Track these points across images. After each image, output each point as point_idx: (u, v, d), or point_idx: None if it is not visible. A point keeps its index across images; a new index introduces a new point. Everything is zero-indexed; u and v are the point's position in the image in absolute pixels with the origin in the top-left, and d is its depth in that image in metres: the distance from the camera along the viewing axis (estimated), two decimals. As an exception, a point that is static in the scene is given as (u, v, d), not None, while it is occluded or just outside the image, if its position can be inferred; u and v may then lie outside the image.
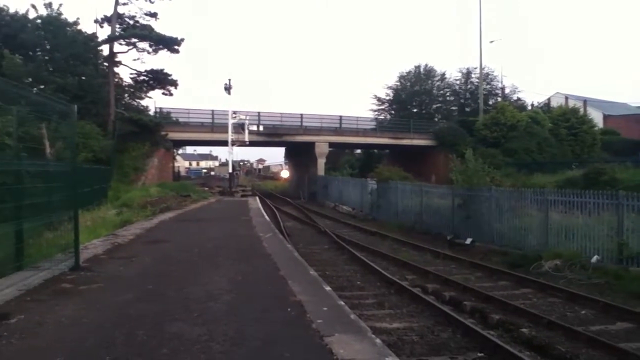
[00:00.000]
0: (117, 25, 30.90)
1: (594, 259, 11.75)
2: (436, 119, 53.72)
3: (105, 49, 30.80)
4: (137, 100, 36.09)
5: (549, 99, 55.96)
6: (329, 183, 35.90)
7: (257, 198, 28.82)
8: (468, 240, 16.15)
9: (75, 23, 28.81)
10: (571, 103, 49.38)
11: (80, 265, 7.89)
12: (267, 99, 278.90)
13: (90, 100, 26.57)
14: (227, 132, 31.69)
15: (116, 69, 31.54)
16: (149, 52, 31.75)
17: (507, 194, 15.56)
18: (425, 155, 41.19)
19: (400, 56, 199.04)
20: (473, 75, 55.33)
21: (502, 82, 55.31)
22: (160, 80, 33.11)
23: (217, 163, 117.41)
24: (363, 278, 11.64)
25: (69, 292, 6.36)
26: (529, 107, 51.54)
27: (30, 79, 23.95)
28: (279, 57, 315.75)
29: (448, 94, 59.29)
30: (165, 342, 4.48)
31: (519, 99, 55.09)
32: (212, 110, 36.01)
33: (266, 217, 18.05)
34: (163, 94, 34.29)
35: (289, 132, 38.06)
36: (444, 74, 58.31)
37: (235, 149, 34.74)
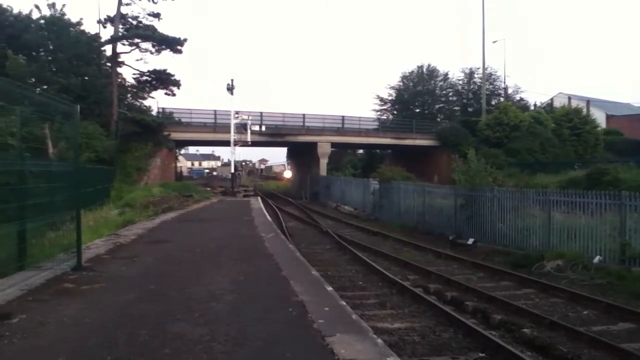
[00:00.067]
0: (120, 26, 30.97)
1: (596, 259, 11.73)
2: (439, 119, 53.70)
3: (108, 50, 30.92)
4: (140, 101, 36.22)
5: (551, 99, 55.91)
6: (331, 183, 35.89)
7: (259, 198, 28.84)
8: (470, 241, 16.13)
9: (79, 23, 28.92)
10: (574, 103, 49.27)
11: (83, 265, 7.92)
12: (269, 99, 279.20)
13: (93, 100, 26.63)
14: (229, 132, 31.72)
15: (119, 69, 31.66)
16: (151, 53, 31.86)
17: (509, 194, 15.53)
18: (427, 156, 41.16)
19: (402, 56, 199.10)
20: (476, 76, 55.33)
21: (504, 82, 55.25)
22: (162, 80, 33.18)
23: (219, 163, 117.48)
24: (365, 278, 11.64)
25: (71, 292, 6.38)
26: (532, 107, 51.46)
27: (33, 79, 24.04)
28: (281, 57, 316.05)
29: (451, 94, 59.23)
30: (167, 342, 4.49)
31: (521, 99, 55.08)
32: (215, 111, 36.10)
33: (268, 217, 18.06)
34: (166, 94, 34.43)
35: (291, 132, 38.08)
36: (446, 74, 58.33)
37: (238, 149, 34.84)
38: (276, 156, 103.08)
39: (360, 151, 57.10)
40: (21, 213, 6.93)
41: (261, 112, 37.06)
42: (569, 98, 54.12)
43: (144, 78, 33.62)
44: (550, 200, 13.67)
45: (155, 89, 34.55)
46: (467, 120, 43.73)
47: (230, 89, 31.76)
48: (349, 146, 51.18)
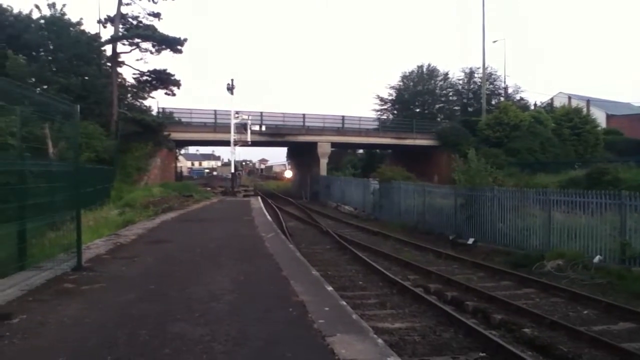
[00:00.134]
0: (121, 26, 30.96)
1: (597, 259, 11.73)
2: (439, 119, 53.70)
3: (108, 49, 30.92)
4: (140, 101, 36.21)
5: (551, 99, 55.91)
6: (332, 183, 35.90)
7: (260, 198, 28.84)
8: (470, 240, 16.13)
9: (79, 23, 28.92)
10: (574, 103, 49.26)
11: (83, 265, 7.91)
12: (269, 99, 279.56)
13: (94, 100, 26.63)
14: (229, 132, 31.72)
15: (119, 69, 31.64)
16: (152, 53, 31.85)
17: (509, 193, 15.53)
18: (428, 155, 41.16)
19: (402, 56, 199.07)
20: (476, 75, 55.34)
21: (505, 82, 55.28)
22: (163, 80, 33.17)
23: (219, 163, 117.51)
24: (365, 278, 11.64)
25: (71, 292, 6.38)
26: (532, 107, 51.47)
27: (33, 79, 24.04)
28: (281, 56, 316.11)
29: (451, 93, 59.23)
30: (167, 342, 4.49)
31: (521, 98, 55.10)
32: (215, 111, 36.10)
33: (268, 217, 18.06)
34: (166, 94, 34.42)
35: (291, 132, 38.08)
36: (446, 74, 58.34)
37: (238, 149, 34.83)
38: (276, 156, 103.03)
39: (361, 151, 57.10)
40: (21, 213, 6.93)
41: (261, 112, 37.08)
42: (569, 98, 54.12)
43: (144, 78, 33.61)
44: (551, 200, 13.66)
45: (156, 88, 34.54)
46: (467, 120, 43.73)
47: (231, 88, 31.76)
48: (349, 146, 51.18)
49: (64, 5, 28.42)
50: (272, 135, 37.16)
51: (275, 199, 36.98)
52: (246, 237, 12.23)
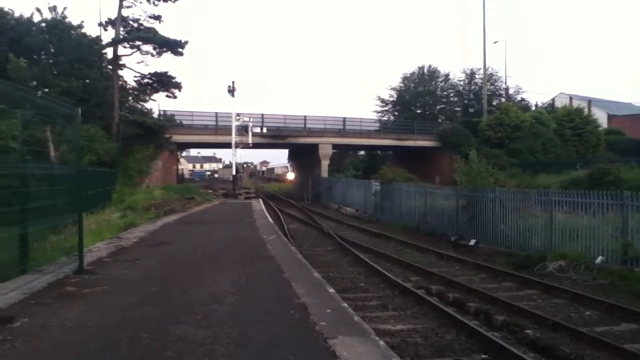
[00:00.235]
0: (121, 28, 31.02)
1: (599, 259, 11.70)
2: (440, 120, 53.64)
3: (109, 52, 30.98)
4: (141, 103, 36.25)
5: (553, 100, 55.88)
6: (333, 185, 35.90)
7: (261, 200, 28.84)
8: (472, 242, 16.11)
9: (80, 26, 28.95)
10: (575, 103, 49.21)
11: (84, 268, 7.92)
12: (270, 100, 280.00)
13: (95, 103, 26.66)
14: (230, 134, 31.74)
15: (120, 72, 31.65)
16: (152, 55, 31.90)
17: (511, 194, 15.51)
18: (429, 157, 41.14)
19: (403, 57, 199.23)
20: (477, 76, 55.29)
21: (505, 82, 55.30)
22: (164, 82, 33.24)
23: (220, 165, 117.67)
24: (367, 280, 11.63)
25: (73, 295, 6.38)
26: (533, 108, 51.42)
27: (35, 83, 24.05)
28: (282, 58, 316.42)
29: (452, 94, 59.18)
30: (169, 345, 4.49)
31: (522, 99, 55.01)
32: (216, 113, 36.11)
33: (270, 219, 18.06)
34: (167, 96, 34.49)
35: (292, 134, 38.08)
36: (447, 75, 58.27)
37: (239, 151, 34.79)
38: (277, 158, 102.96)
39: (362, 152, 57.07)
40: (23, 216, 6.94)
41: (262, 114, 37.07)
42: (570, 98, 54.08)
43: (145, 80, 33.67)
44: (552, 201, 13.65)
45: (157, 91, 34.60)
46: (468, 120, 43.69)
47: (232, 91, 31.78)
48: (351, 148, 51.15)
49: (65, 9, 28.50)
50: (273, 137, 37.16)
51: (276, 201, 36.98)
52: (248, 239, 12.23)
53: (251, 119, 33.32)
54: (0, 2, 50.00)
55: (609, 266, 11.38)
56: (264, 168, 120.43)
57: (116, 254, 9.90)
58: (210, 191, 33.76)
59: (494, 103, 51.29)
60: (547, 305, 9.43)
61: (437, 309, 8.77)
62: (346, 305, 6.21)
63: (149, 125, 29.70)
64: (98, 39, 30.46)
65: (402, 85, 58.55)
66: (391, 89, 59.28)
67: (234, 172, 34.30)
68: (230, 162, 46.55)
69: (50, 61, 27.20)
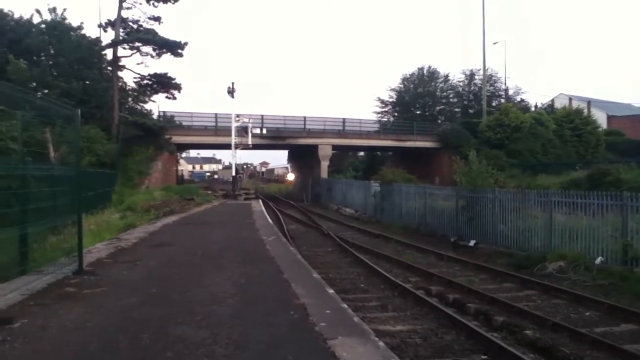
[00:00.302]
0: (121, 30, 31.03)
1: (598, 260, 11.71)
2: (440, 121, 53.62)
3: (109, 53, 30.96)
4: (141, 104, 36.20)
5: (552, 100, 55.90)
6: (333, 185, 35.91)
7: (260, 201, 28.85)
8: (472, 242, 16.11)
9: (80, 28, 28.95)
10: (575, 104, 49.26)
11: (84, 269, 7.93)
12: (269, 101, 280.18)
13: (95, 104, 26.66)
14: (230, 135, 31.76)
15: (120, 73, 31.65)
16: (152, 56, 31.89)
17: (510, 195, 15.52)
18: (429, 157, 41.15)
19: (403, 58, 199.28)
20: (476, 77, 55.27)
21: (505, 83, 55.29)
22: (163, 84, 33.24)
23: (220, 166, 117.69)
24: (366, 281, 11.63)
25: (73, 296, 6.39)
26: (533, 109, 51.42)
27: (34, 84, 24.06)
28: (282, 59, 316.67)
29: (451, 95, 59.14)
30: (169, 346, 4.50)
31: (522, 100, 54.96)
32: (216, 114, 36.13)
33: (269, 220, 18.07)
34: (167, 97, 34.48)
35: (292, 135, 38.09)
36: (447, 76, 58.23)
37: (239, 152, 34.80)
38: (277, 159, 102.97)
39: (362, 153, 57.07)
40: (23, 217, 6.94)
41: (262, 115, 37.08)
42: (570, 99, 54.12)
43: (145, 82, 33.66)
44: (552, 202, 13.65)
45: (156, 92, 34.58)
46: (468, 121, 43.70)
47: (231, 92, 31.80)
48: (350, 148, 51.16)
49: (64, 10, 28.55)
50: (273, 138, 37.16)
51: (276, 202, 36.98)
52: (247, 240, 12.24)
53: (251, 120, 33.34)
54: (0, 4, 50.09)
55: (608, 267, 11.38)
56: (263, 169, 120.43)
57: (116, 254, 9.90)
58: (209, 192, 33.72)
59: (494, 104, 51.28)
60: (547, 305, 9.43)
61: (437, 310, 8.77)
62: (346, 306, 6.22)
63: (149, 126, 29.70)
64: (98, 40, 30.46)
65: (401, 86, 58.56)
66: (391, 89, 59.31)
67: (233, 173, 34.33)
68: (229, 163, 46.61)
69: (50, 62, 27.21)
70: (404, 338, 7.35)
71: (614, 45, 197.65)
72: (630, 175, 24.73)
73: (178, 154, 44.60)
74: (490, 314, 8.55)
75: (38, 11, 28.14)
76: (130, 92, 34.64)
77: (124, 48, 31.12)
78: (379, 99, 59.11)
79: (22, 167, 7.28)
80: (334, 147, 40.41)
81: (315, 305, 5.92)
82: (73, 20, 36.38)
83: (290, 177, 64.02)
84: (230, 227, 15.21)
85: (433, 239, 18.02)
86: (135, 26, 32.02)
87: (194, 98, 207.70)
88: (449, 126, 44.21)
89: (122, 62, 31.37)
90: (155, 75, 32.81)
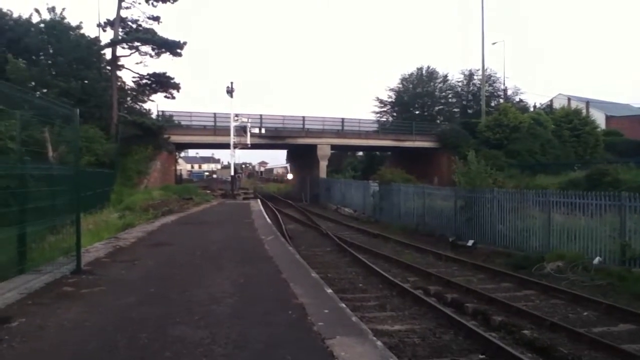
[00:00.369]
0: (120, 29, 31.00)
1: (596, 260, 11.73)
2: (438, 121, 53.69)
3: (108, 53, 30.92)
4: (140, 104, 36.16)
5: (551, 101, 55.95)
6: (332, 185, 35.92)
7: (259, 201, 28.86)
8: (470, 242, 16.12)
9: (79, 27, 28.91)
10: (573, 104, 49.31)
11: (82, 268, 7.93)
12: (268, 101, 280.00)
13: (94, 104, 26.62)
14: (229, 134, 31.75)
15: (119, 73, 31.64)
16: (151, 56, 31.86)
17: (509, 195, 15.54)
18: (428, 157, 41.17)
19: (402, 58, 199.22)
20: (475, 77, 55.31)
21: (504, 83, 55.33)
22: (162, 83, 33.20)
23: (219, 166, 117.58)
24: (365, 280, 11.64)
25: (71, 296, 6.38)
26: (532, 109, 51.47)
27: (33, 83, 24.03)
28: (281, 58, 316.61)
29: (450, 95, 59.19)
30: (167, 346, 4.50)
31: (521, 100, 55.03)
32: (214, 113, 36.11)
33: (268, 219, 18.07)
34: (165, 97, 34.43)
35: (291, 135, 38.09)
36: (446, 76, 58.27)
37: (237, 151, 34.79)
38: (276, 159, 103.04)
39: (360, 153, 57.09)
40: (21, 217, 6.94)
41: (261, 115, 37.07)
42: (569, 99, 54.18)
43: (144, 81, 33.62)
44: (550, 202, 13.67)
45: (155, 92, 34.55)
46: (467, 121, 43.73)
47: (230, 91, 31.80)
48: (349, 148, 51.18)
49: (63, 9, 28.46)
50: (272, 137, 37.16)
51: (275, 202, 36.98)
52: (246, 240, 12.24)
53: (250, 120, 33.35)
54: (-2, 3, 49.96)
55: (606, 267, 11.41)
56: (262, 168, 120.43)
57: (114, 254, 9.90)
58: (208, 192, 33.71)
59: (493, 104, 51.33)
60: (545, 305, 9.45)
61: (435, 310, 8.78)
62: (344, 305, 6.23)
63: (148, 125, 29.69)
64: (97, 39, 30.42)
65: (400, 86, 58.63)
66: (390, 89, 59.40)
67: (232, 173, 34.31)
68: (228, 162, 46.59)
69: (49, 62, 27.16)
70: (402, 338, 7.36)
71: (612, 45, 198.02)
72: (628, 175, 24.77)
73: (177, 153, 44.55)
74: (488, 314, 8.56)
75: (37, 10, 28.05)
76: (129, 92, 34.61)
77: (123, 47, 31.12)
78: (378, 98, 59.26)
79: (21, 166, 7.27)
80: (333, 147, 40.42)
81: (314, 305, 5.92)
82: (72, 19, 36.32)
83: (289, 177, 64.03)
84: (229, 227, 15.21)
85: (432, 239, 18.04)
86: (134, 26, 32.01)
87: (193, 97, 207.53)
88: (447, 126, 44.24)
89: (121, 61, 31.42)
90: (154, 74, 32.78)
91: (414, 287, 10.56)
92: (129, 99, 34.75)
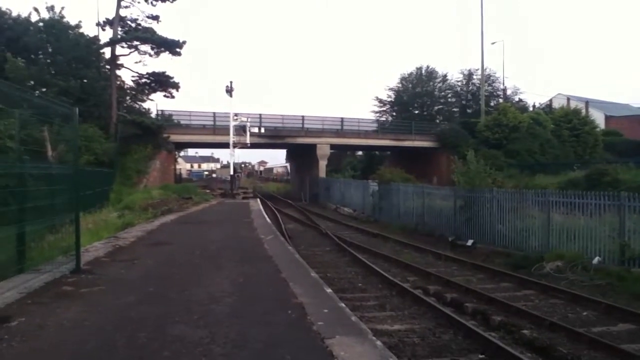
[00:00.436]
0: (119, 28, 30.98)
1: (596, 260, 11.73)
2: (438, 121, 53.73)
3: (107, 52, 30.91)
4: (139, 103, 36.16)
5: (550, 100, 55.98)
6: (331, 185, 35.91)
7: (259, 200, 28.83)
8: (469, 242, 16.13)
9: (78, 26, 28.88)
10: (573, 104, 49.33)
11: (82, 267, 7.91)
12: (268, 100, 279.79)
13: (93, 103, 26.60)
14: (228, 134, 31.73)
15: (118, 72, 31.62)
16: (150, 55, 31.85)
17: (508, 195, 15.54)
18: (427, 157, 41.19)
19: (401, 57, 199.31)
20: (474, 77, 55.37)
21: (503, 83, 55.38)
22: (162, 82, 33.20)
23: (218, 165, 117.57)
24: (364, 280, 11.64)
25: (70, 295, 6.37)
26: (531, 109, 51.53)
27: (32, 82, 23.98)
28: (280, 58, 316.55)
29: (450, 95, 59.25)
30: (166, 345, 4.49)
31: (520, 100, 55.16)
32: (214, 113, 36.11)
33: (267, 219, 18.06)
34: (165, 96, 34.45)
35: (290, 134, 38.10)
36: (445, 76, 58.35)
37: (237, 151, 34.78)
38: (275, 158, 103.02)
39: (360, 153, 57.11)
40: (20, 216, 6.93)
41: (260, 114, 37.08)
42: (568, 99, 54.19)
43: (143, 80, 33.61)
44: (549, 201, 13.68)
45: (154, 91, 34.55)
46: (466, 121, 43.76)
47: (229, 91, 31.78)
48: (349, 148, 51.19)
49: (62, 8, 28.41)
50: (271, 137, 37.17)
51: (274, 201, 36.98)
52: (245, 239, 12.23)
53: (249, 119, 33.32)
54: (-3, 2, 49.91)
55: (606, 267, 11.42)
56: (261, 168, 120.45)
57: (113, 253, 9.89)
58: (208, 191, 33.67)
59: (492, 104, 51.39)
60: (545, 305, 9.45)
61: (435, 309, 8.78)
62: (344, 305, 6.22)
63: (147, 125, 29.67)
64: (96, 38, 30.39)
65: (400, 85, 58.68)
66: (389, 89, 59.46)
67: (231, 172, 34.28)
68: (228, 162, 46.56)
69: (48, 61, 27.12)
70: (402, 337, 7.36)
71: (612, 45, 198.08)
72: (628, 175, 24.80)
73: (176, 152, 44.53)
74: (488, 314, 8.57)
75: (36, 9, 28.00)
76: (128, 91, 34.60)
77: (122, 47, 31.12)
78: (377, 98, 59.33)
79: (20, 165, 7.26)
80: (332, 146, 40.44)
81: (313, 305, 5.92)
82: (71, 18, 36.30)
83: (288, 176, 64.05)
84: (228, 226, 15.20)
85: (431, 239, 18.04)
86: (133, 25, 32.00)
87: (193, 97, 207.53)
88: (447, 126, 44.27)
89: (120, 60, 31.41)
90: (153, 74, 32.78)
91: (413, 287, 10.56)
92: (128, 98, 34.74)
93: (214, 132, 35.50)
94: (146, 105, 36.42)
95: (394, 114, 57.03)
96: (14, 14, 27.78)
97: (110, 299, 6.24)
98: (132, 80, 34.01)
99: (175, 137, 33.46)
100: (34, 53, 26.80)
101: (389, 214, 23.74)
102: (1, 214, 6.73)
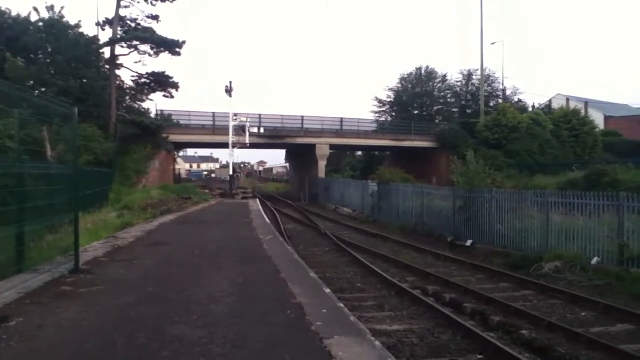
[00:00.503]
0: (119, 28, 30.95)
1: (594, 260, 11.74)
2: (437, 121, 53.74)
3: (106, 52, 30.89)
4: (138, 103, 36.13)
5: (550, 101, 56.00)
6: (330, 185, 35.91)
7: (258, 200, 28.82)
8: (468, 242, 16.14)
9: (77, 26, 28.86)
10: (572, 104, 49.38)
11: (80, 267, 7.91)
12: (267, 100, 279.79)
13: (92, 102, 26.58)
14: (227, 134, 31.72)
15: (117, 72, 31.58)
16: (150, 55, 31.82)
17: (507, 195, 15.55)
18: (426, 157, 41.21)
19: (401, 57, 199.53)
20: (474, 77, 55.39)
21: (503, 83, 55.40)
22: (161, 82, 33.17)
23: (217, 165, 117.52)
24: (363, 280, 11.64)
25: (69, 295, 6.37)
26: (530, 109, 51.54)
27: (32, 82, 23.96)
28: (280, 58, 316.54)
29: (449, 95, 59.27)
30: (165, 345, 4.49)
31: (519, 100, 55.15)
32: (213, 113, 36.10)
33: (266, 219, 18.05)
34: (164, 96, 34.41)
35: (289, 134, 38.10)
36: (444, 76, 58.38)
37: (236, 151, 34.76)
38: (275, 158, 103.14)
39: (359, 153, 57.12)
40: (20, 215, 6.93)
41: (259, 114, 37.08)
42: (567, 99, 54.22)
43: (143, 80, 33.59)
44: (548, 202, 13.69)
45: (154, 91, 34.52)
46: (465, 121, 43.78)
47: (229, 91, 31.76)
48: (348, 148, 51.19)
49: (62, 8, 28.40)
50: (271, 137, 37.17)
51: (273, 201, 36.97)
52: (244, 239, 12.23)
53: (248, 119, 33.31)
54: (-3, 1, 49.88)
55: (604, 267, 11.42)
56: (261, 168, 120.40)
57: (112, 253, 9.89)
58: (207, 191, 33.66)
59: (491, 104, 51.42)
60: (543, 305, 9.46)
61: (433, 309, 8.79)
62: (342, 305, 6.23)
63: (146, 124, 29.65)
64: (95, 38, 30.36)
65: (399, 85, 58.71)
66: (389, 89, 59.49)
67: (230, 172, 34.27)
68: (227, 162, 46.47)
69: (48, 60, 27.10)
70: (401, 337, 7.37)
71: (611, 45, 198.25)
72: (627, 175, 24.84)
73: (175, 152, 44.52)
74: (486, 314, 8.58)
75: (35, 9, 27.99)
76: (127, 91, 34.57)
77: (122, 46, 31.08)
78: (376, 98, 59.38)
79: (19, 165, 7.27)
80: (332, 146, 40.44)
81: (312, 305, 5.92)
82: (70, 18, 36.33)
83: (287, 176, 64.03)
84: (227, 226, 15.20)
85: (430, 239, 18.05)
86: (133, 24, 31.97)
87: (192, 97, 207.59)
88: (446, 126, 44.28)
89: (120, 60, 31.37)
90: (152, 73, 32.76)
91: (412, 287, 10.57)
92: (127, 97, 34.71)
93: (213, 132, 35.49)
94: (145, 105, 36.45)
95: (394, 114, 57.05)
96: (14, 13, 27.81)
97: (109, 298, 6.24)
98: (132, 80, 34.03)
99: (175, 137, 33.45)
100: (34, 52, 26.78)
101: (388, 214, 23.74)
102: (0, 214, 6.73)
